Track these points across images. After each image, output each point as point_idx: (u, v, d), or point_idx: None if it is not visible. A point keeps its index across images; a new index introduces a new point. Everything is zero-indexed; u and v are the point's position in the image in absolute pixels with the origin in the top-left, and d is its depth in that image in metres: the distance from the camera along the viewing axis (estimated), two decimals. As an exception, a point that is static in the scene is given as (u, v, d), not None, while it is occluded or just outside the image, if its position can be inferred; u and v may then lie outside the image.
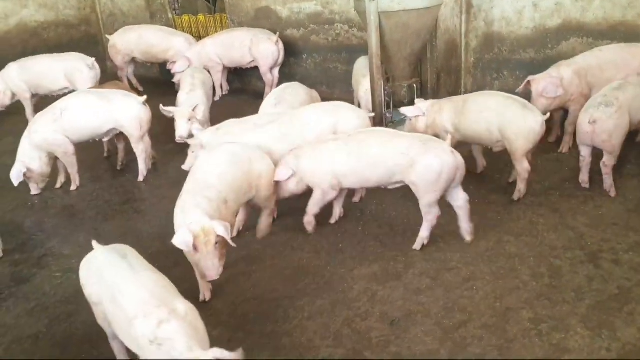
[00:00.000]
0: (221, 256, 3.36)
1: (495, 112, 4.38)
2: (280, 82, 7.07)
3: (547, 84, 4.98)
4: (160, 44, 8.32)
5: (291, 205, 4.28)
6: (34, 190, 5.41)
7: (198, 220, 3.25)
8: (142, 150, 5.45)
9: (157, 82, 8.98)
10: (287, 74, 7.94)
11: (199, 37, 8.81)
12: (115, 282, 2.64)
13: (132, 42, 8.47)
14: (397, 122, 5.37)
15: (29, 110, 7.53)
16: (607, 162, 4.32)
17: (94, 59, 7.30)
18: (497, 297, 3.40)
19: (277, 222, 4.48)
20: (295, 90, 5.32)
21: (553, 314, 3.20)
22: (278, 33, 7.63)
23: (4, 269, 4.24)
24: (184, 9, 9.65)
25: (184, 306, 2.47)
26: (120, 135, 5.66)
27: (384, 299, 3.48)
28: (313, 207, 4.16)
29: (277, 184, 4.07)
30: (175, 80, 7.66)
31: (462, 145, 5.08)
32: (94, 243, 3.01)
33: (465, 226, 3.94)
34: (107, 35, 9.01)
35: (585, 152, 4.44)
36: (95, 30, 10.74)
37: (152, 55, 8.49)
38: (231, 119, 4.71)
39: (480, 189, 4.70)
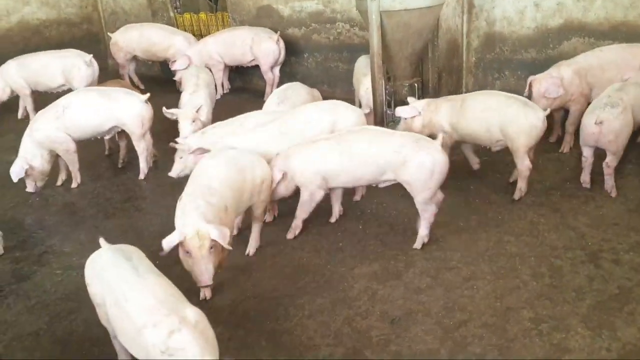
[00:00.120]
0: (218, 261, 3.27)
1: (496, 111, 4.39)
2: (281, 81, 7.10)
3: (548, 85, 4.99)
4: (161, 42, 8.35)
5: (291, 206, 4.28)
6: (30, 188, 5.34)
7: (193, 224, 3.16)
8: (143, 148, 5.45)
9: (158, 80, 8.99)
10: (288, 72, 7.95)
11: (200, 36, 8.83)
12: (119, 286, 2.58)
13: (133, 40, 8.50)
14: (397, 122, 5.37)
15: (29, 107, 7.55)
16: (610, 162, 4.33)
17: (91, 55, 7.30)
18: (498, 297, 3.40)
19: (277, 222, 4.49)
20: (297, 89, 5.33)
21: (553, 314, 3.21)
22: (279, 32, 7.64)
23: (5, 266, 4.24)
24: (186, 7, 9.66)
25: (193, 314, 2.40)
26: (122, 133, 5.67)
27: (384, 298, 3.48)
28: (302, 211, 4.17)
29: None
30: (176, 78, 7.67)
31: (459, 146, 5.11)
32: (101, 240, 2.94)
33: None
34: (108, 33, 9.03)
35: (587, 153, 4.45)
36: (96, 28, 10.75)
37: (153, 54, 8.52)
38: (217, 122, 4.73)
39: (481, 189, 4.71)
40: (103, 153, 6.29)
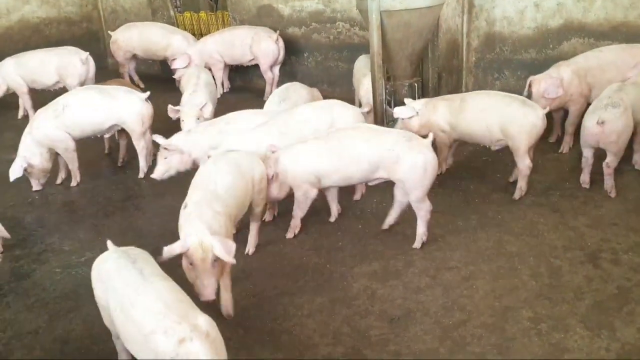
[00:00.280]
0: (221, 274, 3.17)
1: (496, 111, 4.41)
2: (281, 81, 7.09)
3: (548, 85, 4.99)
4: (160, 41, 8.35)
5: (291, 205, 4.28)
6: (35, 186, 5.40)
7: (197, 234, 3.01)
8: (143, 146, 5.45)
9: (158, 79, 8.98)
10: (288, 72, 7.95)
11: (200, 35, 8.83)
12: (125, 291, 2.52)
13: (133, 38, 8.50)
14: (397, 121, 5.37)
15: (28, 105, 7.55)
16: (611, 163, 4.34)
17: (87, 53, 7.30)
18: (497, 297, 3.40)
19: (276, 221, 4.49)
20: (297, 89, 5.33)
21: (552, 314, 3.21)
22: (278, 31, 7.63)
23: (4, 265, 4.23)
24: (186, 7, 9.66)
25: (205, 322, 2.33)
26: (122, 132, 5.66)
27: (384, 297, 3.48)
28: (299, 210, 4.17)
29: None
30: (176, 77, 7.66)
31: (462, 145, 5.12)
32: (109, 243, 2.90)
33: (391, 220, 4.13)
34: (109, 32, 9.03)
35: (588, 154, 4.45)
36: (96, 27, 10.74)
37: (152, 53, 8.52)
38: (203, 122, 4.72)
39: (481, 189, 4.71)
40: (103, 152, 6.28)
